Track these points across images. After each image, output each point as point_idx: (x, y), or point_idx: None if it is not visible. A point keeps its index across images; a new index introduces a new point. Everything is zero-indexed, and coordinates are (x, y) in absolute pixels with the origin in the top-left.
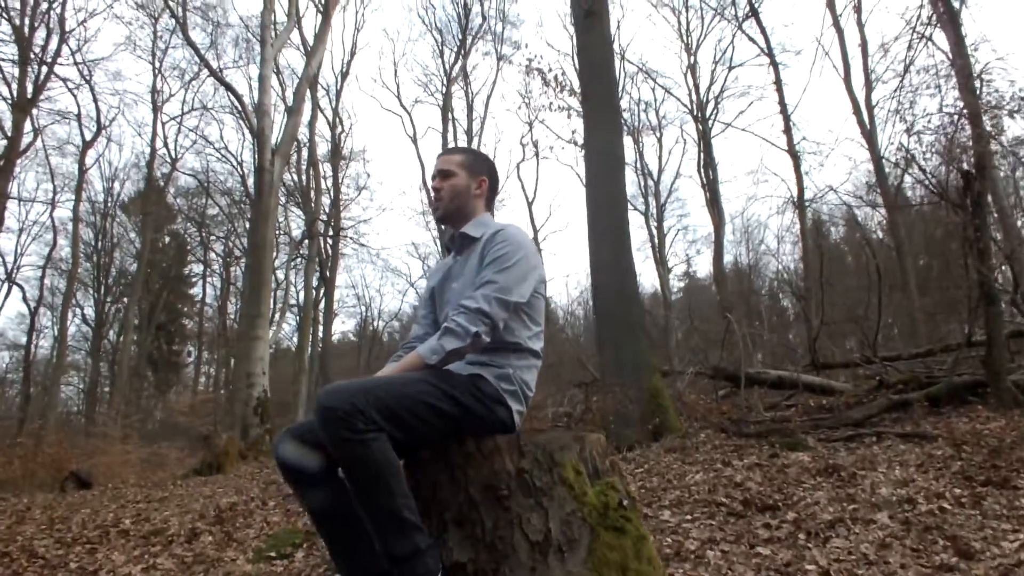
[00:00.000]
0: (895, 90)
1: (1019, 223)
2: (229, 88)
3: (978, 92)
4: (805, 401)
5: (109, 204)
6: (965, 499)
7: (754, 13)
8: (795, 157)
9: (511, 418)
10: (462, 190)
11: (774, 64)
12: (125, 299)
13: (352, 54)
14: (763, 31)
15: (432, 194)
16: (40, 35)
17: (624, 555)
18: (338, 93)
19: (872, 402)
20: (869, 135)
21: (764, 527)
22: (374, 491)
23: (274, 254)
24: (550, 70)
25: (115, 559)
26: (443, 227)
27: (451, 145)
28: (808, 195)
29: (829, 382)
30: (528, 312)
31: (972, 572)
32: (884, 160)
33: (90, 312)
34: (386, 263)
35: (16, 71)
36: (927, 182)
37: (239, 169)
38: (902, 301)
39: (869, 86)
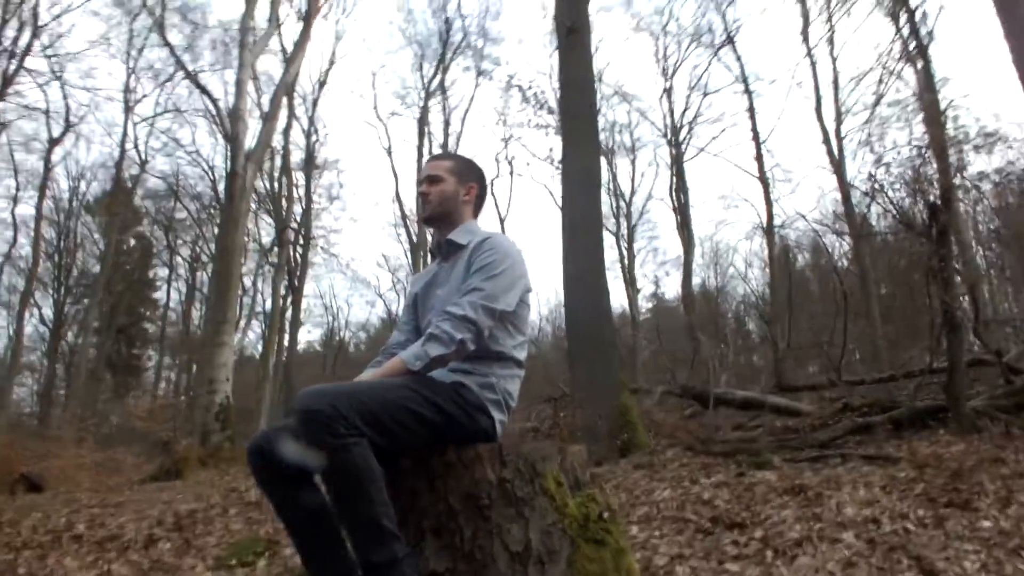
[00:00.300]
0: (865, 122)
1: (977, 257)
2: (204, 91)
3: (945, 127)
4: (771, 422)
5: (74, 203)
6: (928, 520)
7: (730, 41)
8: (765, 183)
9: (493, 428)
10: (450, 196)
11: (748, 92)
12: (85, 300)
13: (331, 63)
14: (738, 59)
15: (419, 198)
16: (12, 27)
17: (604, 568)
18: (315, 102)
19: (837, 424)
20: (838, 164)
21: (732, 544)
22: (353, 498)
23: (243, 260)
24: (529, 87)
25: (67, 565)
26: (429, 233)
27: (440, 151)
28: (777, 221)
29: (795, 404)
30: (513, 321)
31: None
32: (852, 188)
33: (48, 312)
34: (355, 274)
35: None
36: (894, 212)
37: (210, 174)
38: (865, 328)
39: (839, 117)
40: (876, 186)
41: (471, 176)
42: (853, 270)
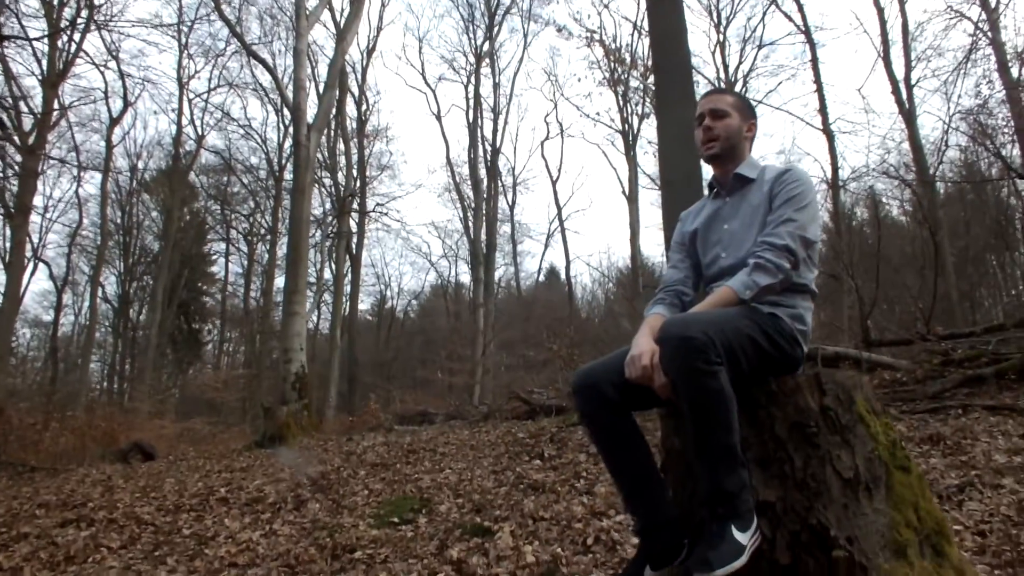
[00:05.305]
0: (954, 69)
1: None
2: (264, 64)
3: None
4: (879, 375)
5: (133, 182)
6: None
7: None
8: (830, 136)
9: (802, 358)
10: (735, 131)
11: (810, 41)
12: (147, 277)
13: (378, 30)
14: (799, 7)
15: (702, 133)
16: (68, 12)
17: (914, 494)
18: (364, 70)
19: (946, 377)
20: (908, 114)
21: None
22: (715, 424)
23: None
24: (614, 41)
25: (229, 525)
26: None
27: (721, 86)
28: (844, 175)
29: (891, 360)
30: (811, 255)
31: None
32: (953, 129)
33: (111, 290)
34: (406, 241)
35: (46, 47)
36: (997, 156)
37: (263, 147)
38: (938, 282)
39: (909, 65)
40: (980, 130)
41: (751, 113)
42: (924, 224)
